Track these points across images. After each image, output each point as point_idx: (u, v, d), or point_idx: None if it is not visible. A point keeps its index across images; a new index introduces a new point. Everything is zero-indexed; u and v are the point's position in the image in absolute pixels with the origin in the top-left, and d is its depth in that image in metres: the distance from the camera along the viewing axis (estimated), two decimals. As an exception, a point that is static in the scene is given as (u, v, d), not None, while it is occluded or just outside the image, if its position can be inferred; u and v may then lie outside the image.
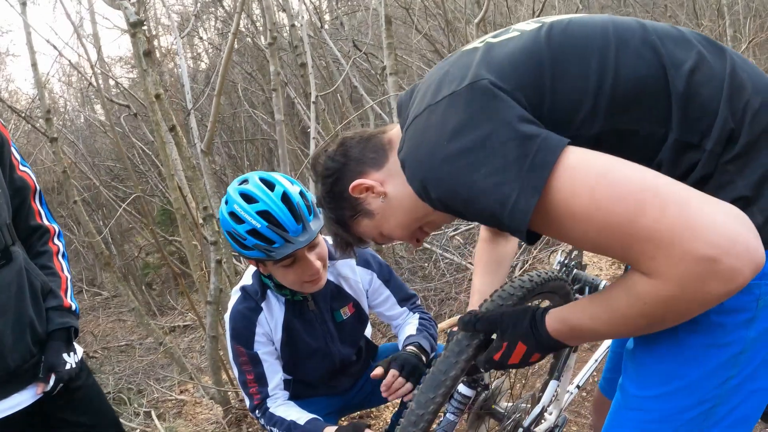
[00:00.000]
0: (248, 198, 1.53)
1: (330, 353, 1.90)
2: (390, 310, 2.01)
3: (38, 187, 1.73)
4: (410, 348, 1.80)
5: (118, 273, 3.41)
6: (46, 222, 1.75)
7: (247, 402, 1.80)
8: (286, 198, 1.54)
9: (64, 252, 1.81)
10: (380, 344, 2.26)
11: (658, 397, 0.98)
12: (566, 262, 1.77)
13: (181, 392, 4.49)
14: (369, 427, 1.64)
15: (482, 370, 1.13)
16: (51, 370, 1.62)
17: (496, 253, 1.46)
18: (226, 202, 1.57)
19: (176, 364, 3.48)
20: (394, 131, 1.12)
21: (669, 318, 0.78)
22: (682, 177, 0.81)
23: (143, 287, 9.24)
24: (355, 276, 1.92)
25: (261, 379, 1.77)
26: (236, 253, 1.63)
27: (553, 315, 0.98)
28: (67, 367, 1.65)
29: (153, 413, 4.35)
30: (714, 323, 0.87)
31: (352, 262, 1.92)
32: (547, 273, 1.28)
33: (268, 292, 1.79)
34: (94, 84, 5.06)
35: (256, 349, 1.76)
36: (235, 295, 1.80)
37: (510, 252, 1.48)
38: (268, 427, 1.74)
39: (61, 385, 1.63)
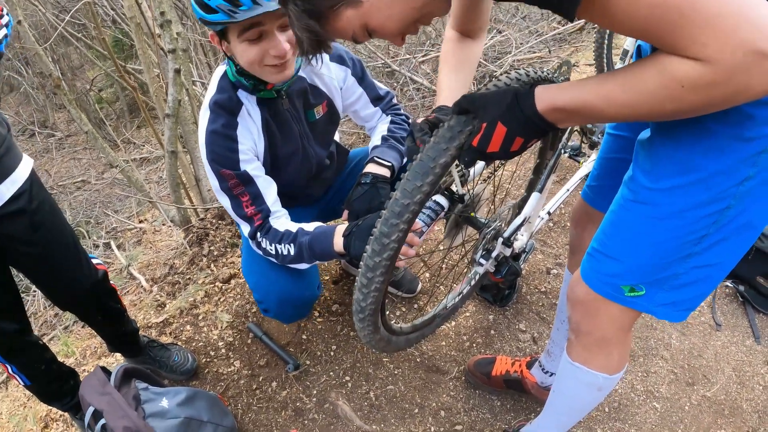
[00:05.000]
0: None
1: (307, 155, 1.76)
2: (364, 110, 1.87)
3: None
4: (367, 170, 1.72)
5: (68, 95, 3.09)
6: None
7: (246, 229, 1.63)
8: None
9: None
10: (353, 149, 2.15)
11: (672, 190, 0.94)
12: (555, 76, 1.62)
13: (141, 221, 4.39)
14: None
15: (462, 165, 1.01)
16: None
17: (464, 53, 1.35)
18: None
19: (133, 186, 3.31)
20: None
21: (699, 106, 0.75)
22: None
23: (99, 122, 8.83)
24: (329, 72, 1.73)
25: (258, 198, 1.59)
26: (200, 21, 1.38)
27: (546, 91, 0.89)
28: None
29: (113, 243, 4.27)
30: (744, 114, 0.84)
31: (326, 57, 1.71)
32: (544, 71, 1.12)
33: (240, 94, 1.57)
34: None
35: (244, 168, 1.56)
36: (204, 115, 1.56)
37: (477, 53, 1.38)
38: (273, 246, 1.59)
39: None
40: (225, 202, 1.62)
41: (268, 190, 1.61)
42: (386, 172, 1.74)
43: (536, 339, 2.16)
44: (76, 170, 7.32)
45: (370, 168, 1.74)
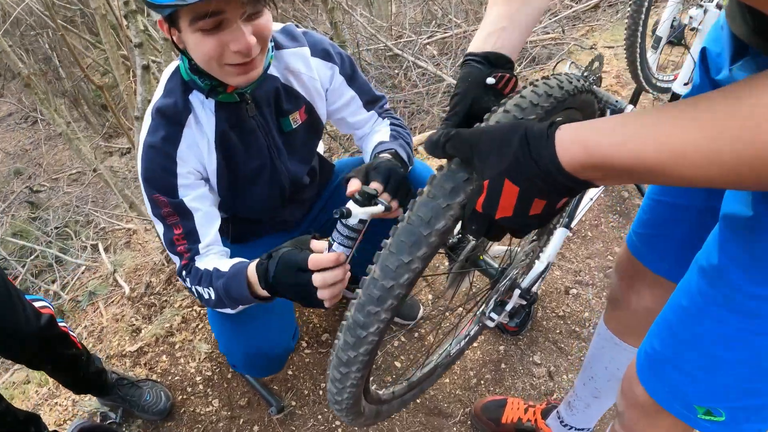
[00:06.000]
0: None
1: (277, 172, 1.44)
2: (354, 116, 1.52)
3: None
4: (386, 155, 1.31)
5: (40, 94, 2.85)
6: None
7: (177, 263, 1.34)
8: None
9: None
10: (337, 160, 1.85)
11: None
12: (585, 75, 1.30)
13: (132, 210, 4.14)
14: (314, 237, 1.15)
15: (468, 236, 0.71)
16: None
17: None
18: None
19: (115, 191, 3.07)
20: None
21: None
22: None
23: (98, 109, 8.59)
24: (309, 71, 1.39)
25: (191, 235, 1.29)
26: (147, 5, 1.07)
27: (574, 135, 0.58)
28: None
29: (100, 246, 4.04)
30: None
31: (306, 52, 1.38)
32: (578, 80, 0.79)
33: (193, 98, 1.27)
34: None
35: (182, 196, 1.27)
36: (145, 121, 1.27)
37: None
38: (194, 288, 1.30)
39: None
40: (158, 227, 1.32)
41: (207, 227, 1.31)
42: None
43: (552, 374, 1.89)
44: (76, 160, 7.10)
45: (386, 155, 1.32)
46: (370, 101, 1.54)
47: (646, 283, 1.13)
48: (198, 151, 1.29)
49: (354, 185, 1.12)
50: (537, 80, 0.75)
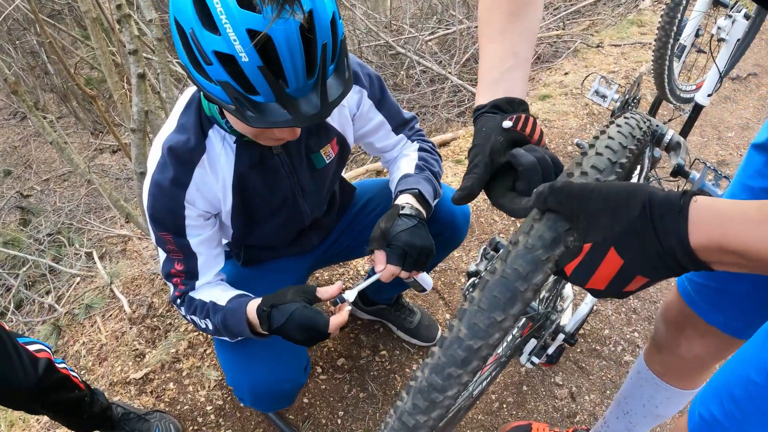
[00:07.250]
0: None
1: (298, 212, 1.37)
2: (382, 140, 1.44)
3: None
4: (406, 201, 1.24)
5: (28, 101, 2.74)
6: None
7: (171, 290, 1.32)
8: (311, 24, 0.85)
9: None
10: (358, 179, 1.78)
11: None
12: (626, 98, 1.23)
13: (127, 221, 4.02)
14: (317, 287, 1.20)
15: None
16: None
17: None
18: None
19: (109, 201, 2.96)
20: None
21: None
22: None
23: (87, 105, 8.40)
24: None
25: (190, 273, 1.26)
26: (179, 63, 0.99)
27: (714, 212, 0.51)
28: None
29: (95, 254, 3.94)
30: None
31: None
32: (646, 121, 0.77)
33: (212, 133, 1.18)
34: None
35: (189, 237, 1.22)
36: (154, 154, 1.18)
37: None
38: (189, 316, 1.28)
39: None
40: (160, 255, 1.29)
41: (207, 269, 1.28)
42: (424, 213, 1.28)
43: (575, 395, 1.84)
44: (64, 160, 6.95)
45: (410, 201, 1.27)
46: (400, 124, 1.45)
47: (698, 332, 1.07)
48: (210, 192, 1.22)
49: (380, 257, 1.17)
50: (616, 122, 0.72)
